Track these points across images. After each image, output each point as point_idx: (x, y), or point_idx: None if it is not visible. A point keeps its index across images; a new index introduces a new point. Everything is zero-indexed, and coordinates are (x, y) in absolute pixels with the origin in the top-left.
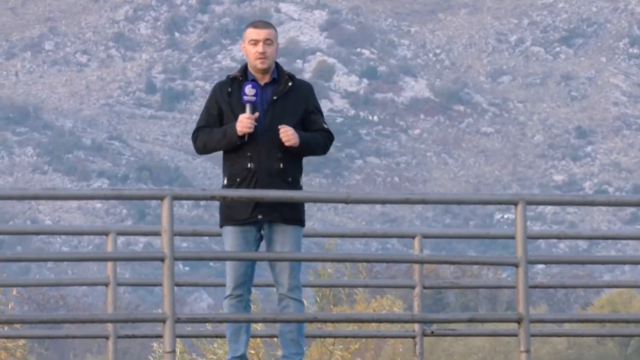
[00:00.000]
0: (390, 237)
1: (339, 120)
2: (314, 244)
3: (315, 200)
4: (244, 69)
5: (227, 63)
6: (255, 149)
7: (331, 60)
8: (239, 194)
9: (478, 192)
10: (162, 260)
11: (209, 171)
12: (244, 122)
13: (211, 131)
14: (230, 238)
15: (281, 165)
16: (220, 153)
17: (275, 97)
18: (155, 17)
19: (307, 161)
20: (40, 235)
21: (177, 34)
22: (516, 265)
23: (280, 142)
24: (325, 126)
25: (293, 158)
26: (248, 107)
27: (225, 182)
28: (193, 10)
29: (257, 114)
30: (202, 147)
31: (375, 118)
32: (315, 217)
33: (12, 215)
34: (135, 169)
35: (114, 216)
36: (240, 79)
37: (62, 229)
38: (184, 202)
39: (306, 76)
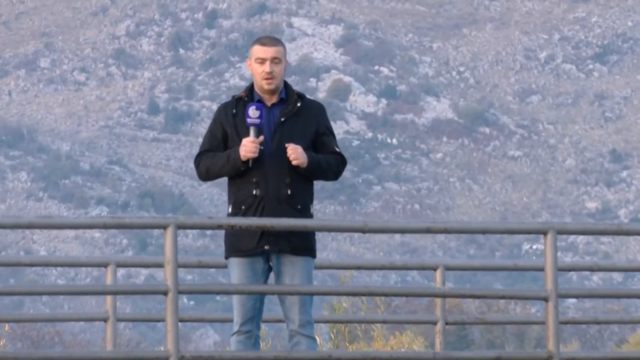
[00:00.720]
0: (410, 269)
1: (356, 143)
2: (329, 276)
3: (329, 229)
4: (250, 88)
5: (235, 82)
6: (262, 174)
7: (347, 78)
8: (247, 222)
9: (505, 221)
10: (165, 293)
11: (216, 198)
12: (248, 147)
13: (214, 156)
14: (237, 270)
15: (289, 192)
16: (226, 179)
17: (283, 119)
18: (159, 33)
19: (321, 187)
20: (34, 267)
21: (182, 51)
22: (546, 300)
23: (288, 167)
24: (337, 149)
25: (303, 183)
26: (252, 130)
27: (230, 210)
28: (199, 25)
29: (262, 138)
30: (205, 172)
31: (395, 141)
32: (330, 247)
33: (5, 246)
34: (137, 195)
35: (114, 246)
36: (246, 99)
37: (58, 260)
38: (188, 231)
39: (320, 96)
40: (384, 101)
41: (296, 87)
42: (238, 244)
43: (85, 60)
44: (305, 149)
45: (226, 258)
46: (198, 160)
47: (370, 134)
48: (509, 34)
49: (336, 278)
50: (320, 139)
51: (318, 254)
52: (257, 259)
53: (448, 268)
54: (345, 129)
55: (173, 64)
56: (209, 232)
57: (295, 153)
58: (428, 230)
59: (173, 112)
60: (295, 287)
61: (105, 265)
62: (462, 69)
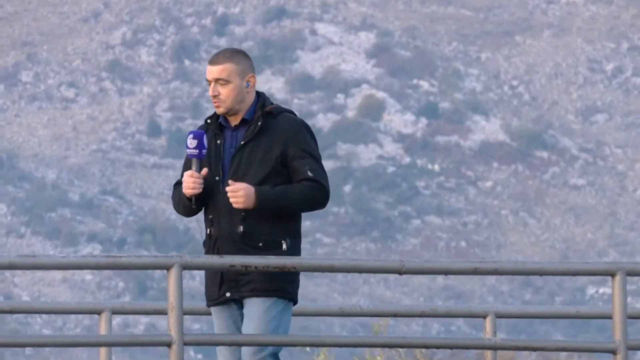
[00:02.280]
0: (455, 316)
1: (391, 169)
2: (360, 326)
3: (360, 270)
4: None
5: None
6: (216, 210)
7: (381, 94)
8: (263, 262)
9: (566, 261)
10: (168, 345)
11: None
12: (186, 182)
13: (176, 190)
14: (215, 320)
15: (241, 228)
16: None
17: (243, 142)
18: (160, 41)
19: (350, 221)
20: (15, 314)
21: (187, 62)
22: (614, 352)
23: None
24: (310, 174)
25: (264, 217)
26: (193, 163)
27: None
28: (207, 32)
29: (205, 171)
30: (175, 208)
31: (436, 167)
32: (361, 291)
33: None
34: (135, 230)
35: (108, 290)
36: (208, 121)
37: (43, 307)
38: (195, 272)
39: (349, 114)
40: (423, 120)
41: (320, 104)
42: (207, 292)
43: (74, 73)
44: (266, 176)
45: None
46: (172, 193)
47: (407, 159)
48: (570, 42)
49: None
50: (291, 164)
51: (346, 298)
52: (230, 306)
53: (499, 315)
54: (378, 154)
55: (177, 78)
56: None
57: (234, 197)
58: (476, 272)
59: (177, 134)
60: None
61: (99, 312)
62: (515, 83)
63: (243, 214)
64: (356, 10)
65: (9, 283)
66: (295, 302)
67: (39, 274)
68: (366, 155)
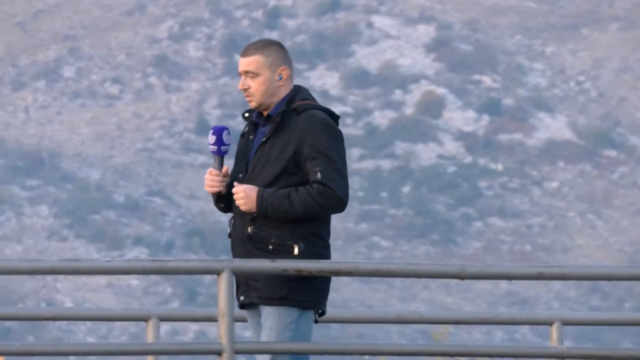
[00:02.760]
0: (519, 323)
1: (451, 169)
2: (419, 333)
3: (419, 275)
4: None
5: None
6: (234, 210)
7: (440, 90)
8: (318, 267)
9: (635, 265)
10: (219, 353)
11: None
12: (206, 180)
13: None
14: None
15: (249, 230)
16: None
17: (263, 139)
18: (209, 35)
19: (408, 223)
20: (58, 322)
21: (236, 57)
22: None
23: None
24: (319, 177)
25: (270, 220)
26: (215, 159)
27: None
28: (258, 25)
29: (225, 168)
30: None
31: (499, 166)
32: (420, 297)
33: (22, 296)
34: (183, 233)
35: (155, 296)
36: (246, 115)
37: (87, 313)
38: None
39: (408, 111)
40: (485, 118)
41: (377, 101)
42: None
43: (118, 68)
44: (277, 177)
45: None
46: None
47: (469, 159)
48: (638, 35)
49: (428, 335)
50: (304, 164)
51: (404, 305)
52: (254, 311)
53: (566, 322)
54: (438, 153)
55: (226, 73)
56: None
57: (237, 198)
58: (541, 277)
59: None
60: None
61: (146, 319)
62: (581, 78)
63: (253, 215)
64: (414, 2)
65: (51, 289)
66: (315, 310)
67: (83, 279)
68: (425, 154)
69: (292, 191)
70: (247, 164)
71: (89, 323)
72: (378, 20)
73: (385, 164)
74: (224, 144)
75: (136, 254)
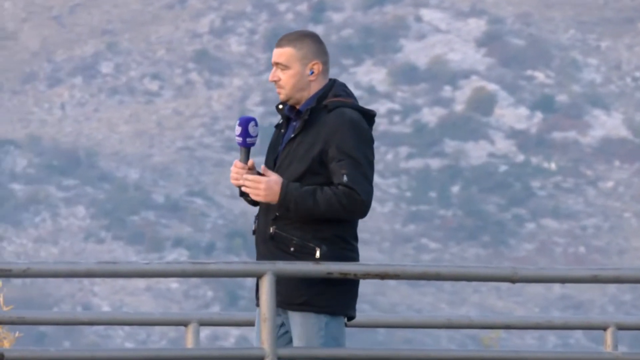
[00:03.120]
0: (573, 328)
1: (503, 168)
2: (469, 338)
3: (469, 278)
4: None
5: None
6: (260, 207)
7: (492, 86)
8: (363, 270)
9: None
10: (261, 359)
11: None
12: (231, 172)
13: None
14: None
15: (271, 230)
16: None
17: (292, 136)
18: (252, 29)
19: (458, 225)
20: (95, 326)
21: None
22: None
23: None
24: (345, 179)
25: (294, 220)
26: (241, 152)
27: None
28: (302, 19)
29: (251, 162)
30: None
31: (553, 165)
32: (470, 301)
33: (57, 299)
34: (224, 235)
35: (196, 300)
36: (280, 107)
37: (125, 318)
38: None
39: (458, 108)
40: (538, 115)
41: (425, 97)
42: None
43: (158, 64)
44: (301, 176)
45: None
46: None
47: (521, 157)
48: None
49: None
50: (329, 165)
51: (454, 309)
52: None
53: (621, 327)
54: (489, 151)
55: (269, 69)
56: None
57: (256, 187)
58: (595, 280)
59: (270, 129)
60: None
61: (185, 324)
62: (638, 74)
63: (277, 213)
64: None
65: (88, 292)
66: (344, 314)
67: (121, 282)
68: (476, 153)
69: (317, 189)
70: (275, 158)
71: (127, 328)
72: (427, 14)
73: (434, 163)
74: (250, 136)
75: (176, 256)
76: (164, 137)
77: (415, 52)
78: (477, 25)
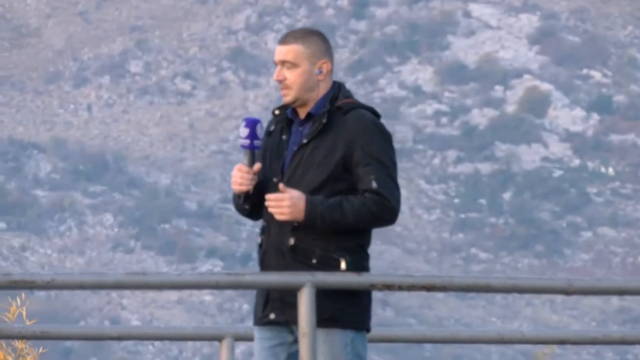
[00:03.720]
0: (631, 343)
1: (557, 173)
2: (521, 354)
3: (522, 291)
4: None
5: (393, 91)
6: (269, 217)
7: (545, 86)
8: (409, 281)
9: None
10: None
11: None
12: (234, 177)
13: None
14: (255, 342)
15: (292, 241)
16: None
17: (305, 140)
18: (290, 26)
19: (511, 233)
20: (124, 342)
21: None
22: None
23: None
24: (374, 185)
25: (317, 230)
26: (245, 155)
27: None
28: (344, 14)
29: (257, 166)
30: (235, 207)
31: (611, 170)
32: (523, 314)
33: (84, 313)
34: None
35: (231, 314)
36: (276, 112)
37: (156, 332)
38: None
39: (509, 109)
40: (595, 117)
41: (475, 98)
42: (254, 309)
43: (190, 62)
44: (323, 183)
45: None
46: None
47: (577, 161)
48: None
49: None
50: (355, 171)
51: (505, 323)
52: (275, 330)
53: None
54: (542, 155)
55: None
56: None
57: (280, 206)
58: None
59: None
60: None
61: (220, 339)
62: None
63: (295, 224)
64: None
65: (117, 305)
66: (367, 329)
67: (151, 294)
68: (529, 156)
69: (343, 200)
70: (282, 167)
71: (157, 343)
72: (476, 9)
73: (484, 168)
74: (257, 139)
75: (210, 267)
76: (197, 140)
77: (464, 50)
78: (529, 21)
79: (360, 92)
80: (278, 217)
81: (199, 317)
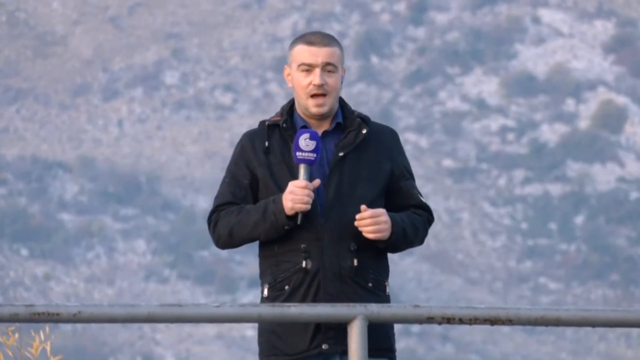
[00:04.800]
0: None
1: (635, 196)
2: None
3: (595, 324)
4: (288, 109)
5: (454, 104)
6: (314, 238)
7: (621, 99)
8: (471, 314)
9: None
10: None
11: (426, 278)
12: (298, 194)
13: (241, 210)
14: None
15: (355, 263)
16: (254, 247)
17: (341, 154)
18: (341, 33)
19: (583, 261)
20: None
21: (374, 59)
22: None
23: (352, 226)
24: (423, 199)
25: (374, 250)
26: (303, 170)
27: (266, 293)
28: (401, 20)
29: (317, 182)
30: (227, 235)
31: None
32: (595, 350)
33: (114, 349)
34: None
35: None
36: (284, 125)
37: None
38: None
39: (582, 124)
40: None
41: (545, 112)
42: (281, 343)
43: (231, 73)
44: (375, 198)
45: None
46: (215, 218)
47: None
48: None
49: None
50: (396, 185)
51: (576, 358)
52: None
53: None
54: (618, 175)
55: (362, 79)
56: (415, 327)
57: (378, 222)
58: None
59: None
60: None
61: None
62: None
63: (354, 245)
64: None
65: (149, 340)
66: None
67: (187, 328)
68: (603, 177)
69: (410, 217)
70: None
71: None
72: (547, 15)
73: (555, 189)
74: (320, 153)
75: (252, 298)
76: None
77: (532, 60)
78: (604, 29)
79: (418, 106)
80: (373, 235)
81: (239, 353)
